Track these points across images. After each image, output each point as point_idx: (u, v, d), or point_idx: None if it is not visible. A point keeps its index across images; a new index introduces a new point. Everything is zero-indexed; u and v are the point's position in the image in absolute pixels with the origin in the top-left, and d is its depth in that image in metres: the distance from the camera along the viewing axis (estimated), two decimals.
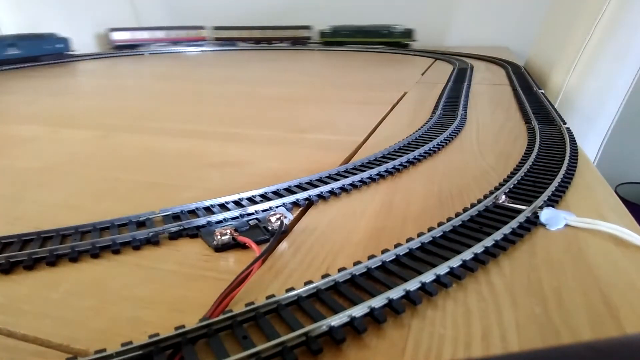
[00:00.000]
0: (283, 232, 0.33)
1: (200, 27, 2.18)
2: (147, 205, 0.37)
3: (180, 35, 2.11)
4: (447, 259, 0.27)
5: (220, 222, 0.35)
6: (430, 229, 0.32)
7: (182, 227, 0.33)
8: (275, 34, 2.15)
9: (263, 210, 0.36)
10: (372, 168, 0.44)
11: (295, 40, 2.14)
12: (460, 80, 1.00)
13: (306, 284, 0.26)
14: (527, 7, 1.72)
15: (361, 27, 1.99)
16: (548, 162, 0.45)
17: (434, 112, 0.70)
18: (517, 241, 0.31)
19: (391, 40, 1.91)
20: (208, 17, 2.25)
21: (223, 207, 0.37)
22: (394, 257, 0.29)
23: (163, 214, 0.36)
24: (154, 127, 0.68)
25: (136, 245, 0.31)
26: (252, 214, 0.36)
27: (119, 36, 1.98)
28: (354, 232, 0.34)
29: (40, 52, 1.71)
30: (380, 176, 0.44)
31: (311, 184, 0.41)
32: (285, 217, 0.33)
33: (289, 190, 0.40)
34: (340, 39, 2.05)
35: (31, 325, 0.24)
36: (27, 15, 1.84)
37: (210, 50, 2.08)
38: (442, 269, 0.27)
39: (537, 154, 0.47)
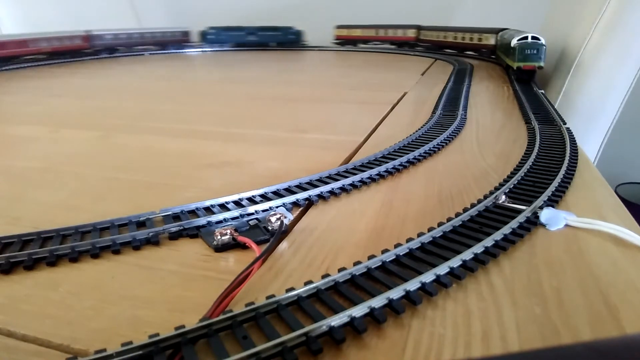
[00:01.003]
0: (283, 232, 0.33)
1: (415, 27, 1.93)
2: (147, 205, 0.37)
3: (397, 34, 1.99)
4: (447, 259, 0.27)
5: (220, 222, 0.35)
6: (430, 229, 0.32)
7: (182, 227, 0.33)
8: (457, 37, 1.58)
9: (263, 210, 0.36)
10: (372, 168, 0.44)
11: (484, 49, 1.41)
12: (460, 81, 1.00)
13: (306, 284, 0.26)
14: (527, 7, 1.72)
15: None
16: (548, 162, 0.45)
17: (434, 112, 0.70)
18: (517, 241, 0.31)
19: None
20: (208, 16, 2.25)
21: (223, 207, 0.37)
22: (394, 257, 0.29)
23: (163, 214, 0.36)
24: (154, 127, 0.68)
25: (136, 245, 0.31)
26: (252, 214, 0.36)
27: (340, 32, 2.12)
28: (354, 232, 0.34)
29: (272, 41, 2.04)
30: (380, 176, 0.44)
31: (311, 184, 0.41)
32: (285, 217, 0.33)
33: (289, 190, 0.40)
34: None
35: (31, 326, 0.24)
36: (26, 11, 1.85)
37: (210, 51, 2.08)
38: (442, 269, 0.27)
39: (537, 154, 0.47)
